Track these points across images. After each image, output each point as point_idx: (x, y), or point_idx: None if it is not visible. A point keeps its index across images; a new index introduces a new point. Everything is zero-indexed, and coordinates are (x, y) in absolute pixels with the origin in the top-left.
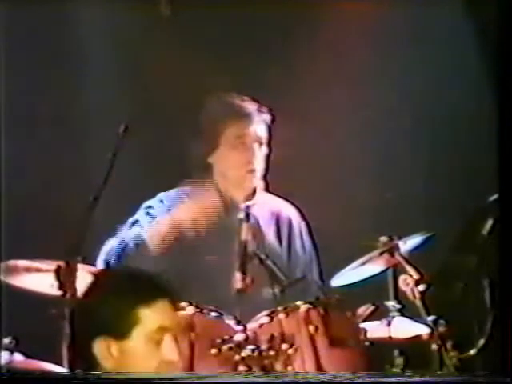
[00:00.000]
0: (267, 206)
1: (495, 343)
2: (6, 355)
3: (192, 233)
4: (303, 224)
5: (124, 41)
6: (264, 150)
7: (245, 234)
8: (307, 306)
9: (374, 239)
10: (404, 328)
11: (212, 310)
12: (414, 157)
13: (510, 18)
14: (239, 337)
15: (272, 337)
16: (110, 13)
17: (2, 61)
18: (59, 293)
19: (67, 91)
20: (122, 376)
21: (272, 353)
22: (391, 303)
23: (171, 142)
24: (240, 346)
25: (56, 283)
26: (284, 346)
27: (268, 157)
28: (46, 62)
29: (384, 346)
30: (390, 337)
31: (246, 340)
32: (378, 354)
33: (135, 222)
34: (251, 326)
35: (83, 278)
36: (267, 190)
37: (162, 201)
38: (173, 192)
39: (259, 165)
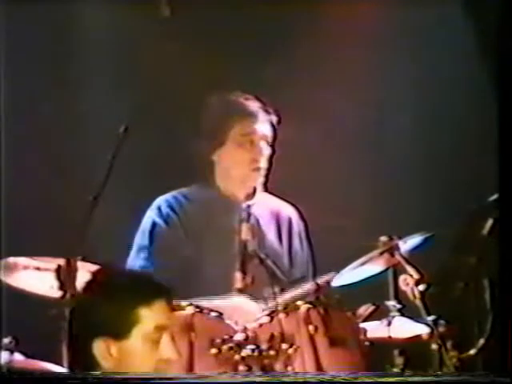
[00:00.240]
0: (267, 206)
1: (495, 343)
2: (5, 355)
3: (192, 233)
4: (302, 224)
5: (124, 40)
6: (268, 149)
7: (245, 233)
8: (307, 305)
9: (373, 239)
10: (404, 328)
11: (212, 310)
12: (414, 157)
13: (510, 18)
14: (239, 336)
15: (272, 336)
16: (110, 13)
17: (2, 61)
18: (59, 293)
19: (67, 91)
20: (121, 376)
21: (272, 353)
22: (391, 303)
23: (172, 141)
24: (240, 346)
25: (56, 283)
26: (284, 346)
27: (271, 157)
28: (47, 62)
29: (384, 346)
30: (390, 337)
31: (246, 340)
32: (378, 353)
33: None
34: (251, 325)
35: (83, 277)
36: (266, 189)
37: (159, 208)
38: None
39: (264, 164)
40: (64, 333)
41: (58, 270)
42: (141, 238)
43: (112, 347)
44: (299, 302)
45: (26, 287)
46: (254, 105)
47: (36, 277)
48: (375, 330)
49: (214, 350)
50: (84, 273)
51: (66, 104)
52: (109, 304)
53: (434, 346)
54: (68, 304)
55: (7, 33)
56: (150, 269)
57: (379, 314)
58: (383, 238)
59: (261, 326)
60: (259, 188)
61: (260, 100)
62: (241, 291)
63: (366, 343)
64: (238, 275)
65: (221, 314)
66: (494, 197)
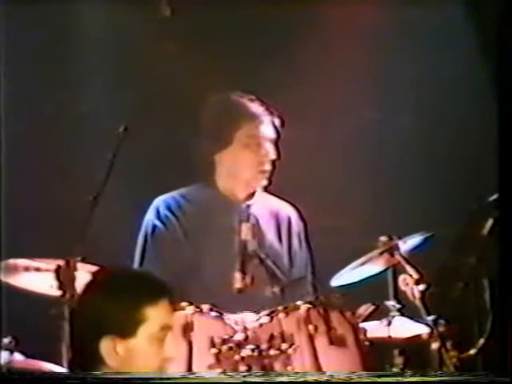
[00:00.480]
0: (266, 206)
1: (495, 343)
2: (5, 355)
3: (192, 233)
4: (302, 224)
5: (124, 40)
6: (275, 152)
7: (244, 233)
8: (307, 305)
9: (373, 239)
10: (404, 328)
11: (212, 310)
12: (414, 157)
13: (510, 18)
14: (239, 336)
15: (272, 336)
16: (110, 13)
17: (2, 61)
18: (59, 293)
19: (67, 91)
20: (121, 376)
21: (272, 352)
22: (391, 303)
23: (172, 141)
24: (240, 346)
25: (56, 283)
26: (284, 346)
27: (276, 160)
28: (47, 62)
29: (384, 346)
30: (390, 336)
31: (246, 340)
32: (378, 353)
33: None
34: (251, 325)
35: (83, 277)
36: (266, 189)
37: (158, 210)
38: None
39: (269, 166)
40: (64, 333)
41: (58, 271)
42: (142, 240)
43: (118, 345)
44: (299, 302)
45: (26, 288)
46: (258, 106)
47: (36, 278)
48: (375, 329)
49: (213, 350)
50: (84, 273)
51: (66, 104)
52: (114, 303)
53: (434, 346)
54: (68, 304)
55: (7, 33)
56: (151, 270)
57: (379, 313)
58: (383, 238)
59: (261, 325)
60: (259, 188)
61: (264, 102)
62: (241, 291)
63: (366, 343)
64: (237, 275)
65: (221, 313)
66: (494, 197)
